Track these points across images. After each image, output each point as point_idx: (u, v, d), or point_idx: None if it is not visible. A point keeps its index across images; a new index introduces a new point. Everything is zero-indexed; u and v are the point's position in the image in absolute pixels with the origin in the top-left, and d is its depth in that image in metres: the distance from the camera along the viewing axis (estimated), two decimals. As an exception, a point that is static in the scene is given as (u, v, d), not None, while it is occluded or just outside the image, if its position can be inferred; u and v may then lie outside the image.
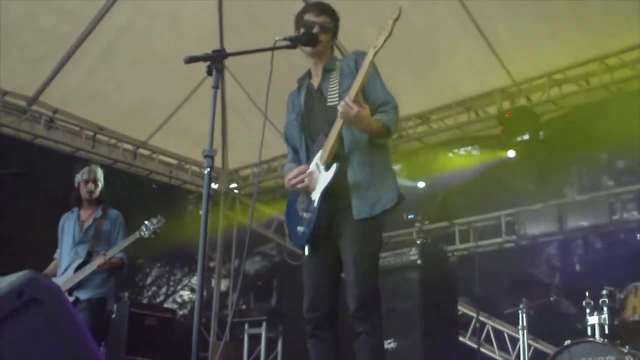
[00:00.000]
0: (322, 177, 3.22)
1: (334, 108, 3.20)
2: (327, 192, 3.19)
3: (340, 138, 3.20)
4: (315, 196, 3.24)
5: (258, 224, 10.00)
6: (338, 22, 3.51)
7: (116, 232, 5.35)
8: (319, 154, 3.27)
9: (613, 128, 7.26)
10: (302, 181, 3.29)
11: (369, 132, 3.17)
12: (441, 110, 8.11)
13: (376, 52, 3.05)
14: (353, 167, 3.22)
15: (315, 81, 3.49)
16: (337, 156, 3.22)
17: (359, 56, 3.27)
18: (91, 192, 5.36)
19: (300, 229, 3.31)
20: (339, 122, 3.14)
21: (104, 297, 5.21)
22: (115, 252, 5.10)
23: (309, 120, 3.43)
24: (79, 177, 5.38)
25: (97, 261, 5.05)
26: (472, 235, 7.81)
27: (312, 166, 3.30)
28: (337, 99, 3.26)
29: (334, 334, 3.25)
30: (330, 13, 3.48)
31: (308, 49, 3.41)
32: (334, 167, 3.17)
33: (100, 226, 5.31)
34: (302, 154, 3.45)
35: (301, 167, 3.34)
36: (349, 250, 3.18)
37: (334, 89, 3.33)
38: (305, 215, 3.28)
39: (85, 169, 5.41)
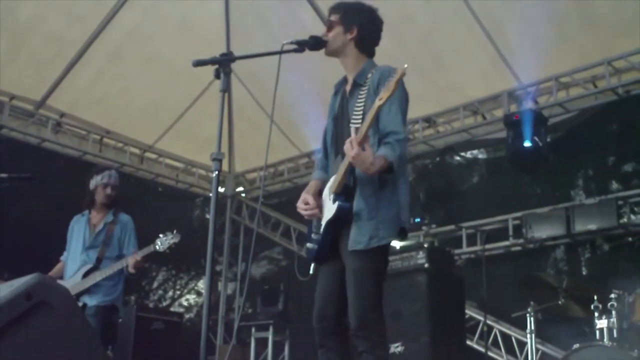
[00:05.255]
0: (329, 207, 3.23)
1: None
2: (332, 223, 3.21)
3: (348, 169, 3.15)
4: (323, 222, 3.27)
5: (265, 228, 10.01)
6: (352, 17, 3.39)
7: (127, 237, 5.34)
8: (332, 179, 3.26)
9: (620, 131, 7.24)
10: (309, 214, 3.33)
11: (371, 173, 3.03)
12: (448, 113, 8.11)
13: (380, 105, 2.94)
14: (358, 197, 3.17)
15: (348, 89, 3.43)
16: (346, 187, 3.19)
17: (383, 76, 3.15)
18: (109, 197, 5.36)
19: (309, 245, 3.37)
20: (348, 158, 3.06)
21: (114, 305, 5.20)
22: (142, 255, 5.07)
23: (337, 134, 3.40)
24: (98, 180, 5.36)
25: (131, 260, 5.02)
26: (480, 238, 7.79)
27: (326, 191, 3.32)
28: (359, 121, 3.18)
29: (342, 344, 3.22)
30: (341, 10, 3.41)
31: (324, 52, 3.39)
32: (336, 204, 3.16)
33: (110, 231, 5.29)
34: (329, 166, 3.44)
35: (311, 201, 3.33)
36: (349, 269, 3.16)
37: (359, 108, 3.23)
38: (314, 236, 3.33)
39: (106, 173, 5.41)
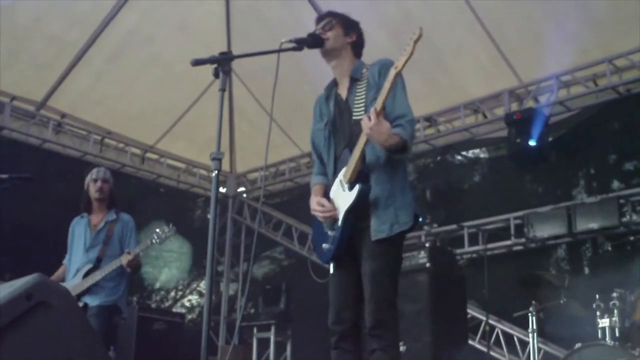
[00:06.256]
0: (346, 197, 3.19)
1: (359, 123, 3.14)
2: (351, 212, 3.18)
3: (363, 155, 3.15)
4: (339, 215, 3.23)
5: (266, 228, 10.01)
6: (352, 23, 3.48)
7: (128, 236, 5.32)
8: (343, 171, 3.24)
9: (621, 129, 7.23)
10: (326, 216, 3.29)
11: (387, 146, 3.07)
12: (449, 112, 8.11)
13: (397, 73, 2.97)
14: (373, 185, 3.18)
15: (343, 91, 3.43)
16: (361, 174, 3.18)
17: (383, 67, 3.23)
18: (100, 191, 5.32)
19: (325, 246, 3.32)
20: (363, 139, 3.09)
21: (116, 305, 5.17)
22: (138, 251, 5.03)
23: (336, 135, 3.39)
24: (88, 179, 5.38)
25: (124, 259, 4.99)
26: (481, 238, 7.78)
27: (336, 183, 3.28)
28: (362, 112, 3.20)
29: (357, 346, 3.24)
30: (339, 15, 3.47)
31: (320, 51, 3.40)
32: (356, 188, 3.13)
33: (111, 230, 5.28)
34: (329, 169, 3.41)
35: (326, 203, 3.30)
36: (367, 267, 3.16)
37: (360, 101, 3.27)
38: (330, 233, 3.29)
39: (94, 170, 5.42)
